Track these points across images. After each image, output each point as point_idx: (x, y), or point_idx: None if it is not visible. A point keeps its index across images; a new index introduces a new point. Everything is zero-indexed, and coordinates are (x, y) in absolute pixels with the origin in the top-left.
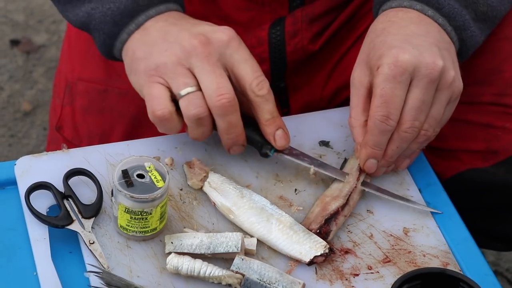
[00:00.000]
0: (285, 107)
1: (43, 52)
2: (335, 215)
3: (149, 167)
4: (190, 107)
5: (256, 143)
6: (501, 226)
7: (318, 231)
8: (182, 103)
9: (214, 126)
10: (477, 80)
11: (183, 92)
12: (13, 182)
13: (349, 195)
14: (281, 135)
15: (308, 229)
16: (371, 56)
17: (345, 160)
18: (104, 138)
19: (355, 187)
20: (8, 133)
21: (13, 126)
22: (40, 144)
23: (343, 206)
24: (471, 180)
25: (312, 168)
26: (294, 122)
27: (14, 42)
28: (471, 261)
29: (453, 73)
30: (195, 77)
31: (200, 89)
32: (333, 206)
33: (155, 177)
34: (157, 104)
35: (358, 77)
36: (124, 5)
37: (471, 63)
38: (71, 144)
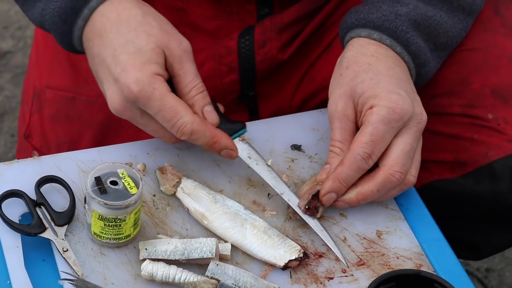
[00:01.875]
0: (254, 115)
1: (9, 59)
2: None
3: (122, 174)
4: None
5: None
6: (470, 236)
7: (307, 207)
8: None
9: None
10: (446, 91)
11: None
12: None
13: None
14: (226, 154)
15: (298, 206)
16: (360, 92)
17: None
18: (73, 146)
19: None
20: None
21: None
22: (8, 151)
23: None
24: (440, 191)
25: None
26: (265, 126)
27: None
28: (444, 262)
29: None
30: None
31: None
32: (319, 186)
33: (128, 184)
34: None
35: (343, 110)
36: (65, 2)
37: (440, 74)
38: (40, 152)
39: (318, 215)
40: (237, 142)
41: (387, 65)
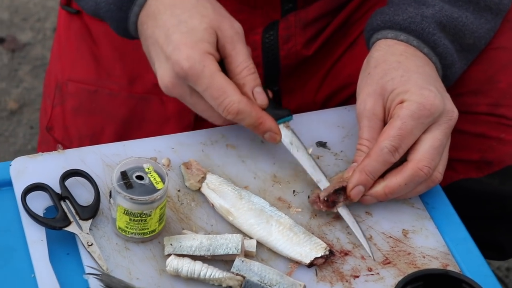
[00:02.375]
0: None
1: (29, 50)
2: (346, 188)
3: (148, 169)
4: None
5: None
6: (495, 236)
7: (325, 198)
8: None
9: None
10: (472, 89)
11: None
12: (8, 183)
13: None
14: (268, 137)
15: (316, 197)
16: (391, 89)
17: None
18: (95, 139)
19: None
20: None
21: None
22: (27, 143)
23: None
24: (465, 190)
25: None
26: (291, 122)
27: None
28: (470, 261)
29: None
30: None
31: None
32: (345, 183)
33: (154, 179)
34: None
35: (372, 109)
36: None
37: (466, 72)
38: (62, 145)
39: (335, 210)
40: (281, 128)
41: (416, 63)
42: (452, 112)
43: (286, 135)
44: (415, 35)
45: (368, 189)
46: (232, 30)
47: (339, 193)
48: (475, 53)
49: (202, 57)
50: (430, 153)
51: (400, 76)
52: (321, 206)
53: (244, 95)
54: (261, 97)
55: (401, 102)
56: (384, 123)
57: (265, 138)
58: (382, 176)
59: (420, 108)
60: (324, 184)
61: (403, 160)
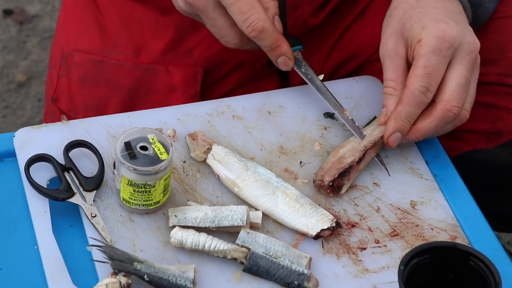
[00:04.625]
0: (284, 81)
1: (37, 22)
2: (349, 169)
3: (152, 139)
4: None
5: None
6: (504, 207)
7: (330, 183)
8: None
9: None
10: (482, 59)
11: None
12: (11, 154)
13: (366, 151)
14: (282, 61)
15: (321, 181)
16: (409, 27)
17: (374, 117)
18: (100, 110)
19: (374, 144)
20: (2, 104)
21: (7, 97)
22: (35, 115)
23: (358, 161)
24: (474, 161)
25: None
26: (298, 93)
27: (7, 12)
28: (479, 234)
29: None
30: None
31: None
32: (349, 160)
33: (158, 149)
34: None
35: (393, 48)
36: None
37: None
38: (68, 116)
39: (342, 192)
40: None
41: (436, 0)
42: (474, 43)
43: (297, 62)
44: None
45: (405, 134)
46: None
47: (344, 175)
48: None
49: None
50: (457, 92)
51: (417, 13)
52: (328, 191)
53: None
54: (279, 25)
55: (420, 40)
56: (407, 61)
57: (278, 64)
58: None
59: (439, 41)
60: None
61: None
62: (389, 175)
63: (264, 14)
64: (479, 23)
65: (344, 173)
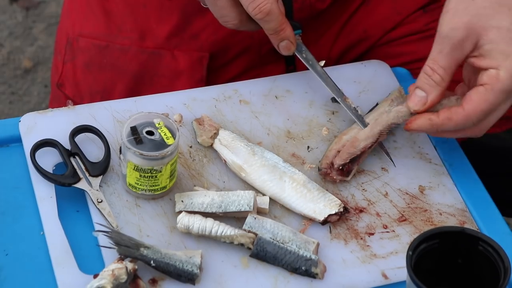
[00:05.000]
0: (291, 65)
1: (43, 8)
2: (360, 154)
3: (159, 124)
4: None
5: None
6: None
7: (340, 167)
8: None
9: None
10: None
11: None
12: (17, 140)
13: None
14: (284, 45)
15: (327, 169)
16: (491, 39)
17: (376, 105)
18: (106, 95)
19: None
20: (8, 90)
21: (13, 83)
22: (42, 101)
23: (370, 146)
24: (483, 146)
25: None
26: (305, 78)
27: None
28: (488, 219)
29: None
30: None
31: None
32: (362, 144)
33: (164, 134)
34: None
35: (462, 41)
36: None
37: None
38: (73, 102)
39: (348, 178)
40: None
41: None
42: None
43: (298, 47)
44: None
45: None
46: None
47: (354, 160)
48: None
49: None
50: (490, 122)
51: (507, 30)
52: (335, 176)
53: None
54: (282, 9)
55: (498, 68)
56: (465, 59)
57: (280, 48)
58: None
59: (502, 91)
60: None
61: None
62: (395, 166)
63: None
64: None
65: (355, 158)
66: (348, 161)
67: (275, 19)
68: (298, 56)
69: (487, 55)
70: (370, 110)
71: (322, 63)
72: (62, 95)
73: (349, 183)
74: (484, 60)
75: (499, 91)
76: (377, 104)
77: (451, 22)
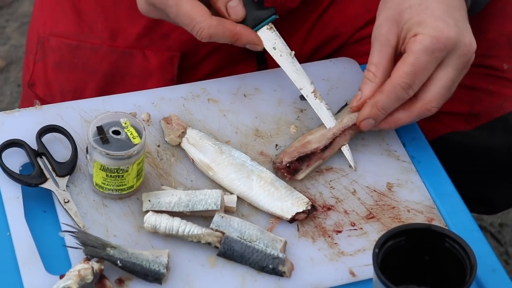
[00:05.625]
0: (262, 64)
1: (16, 7)
2: (311, 155)
3: (125, 123)
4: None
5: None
6: (484, 190)
7: (287, 165)
8: None
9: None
10: None
11: None
12: None
13: (334, 139)
14: (250, 47)
15: (280, 163)
16: (407, 18)
17: (346, 105)
18: (77, 94)
19: (343, 131)
20: None
21: None
22: (15, 101)
23: (324, 148)
24: (453, 143)
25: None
26: (274, 75)
27: None
28: (456, 216)
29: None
30: None
31: None
32: (313, 145)
33: (131, 134)
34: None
35: (386, 34)
36: None
37: None
38: (44, 101)
39: (299, 178)
40: (264, 31)
41: None
42: (470, 45)
43: (268, 39)
44: None
45: (378, 122)
46: None
47: (303, 160)
48: None
49: None
50: (441, 94)
51: (417, 5)
52: (284, 174)
53: (219, 11)
54: (235, 11)
55: (415, 35)
56: (396, 50)
57: (228, 10)
58: None
59: (434, 42)
60: (307, 89)
61: None
62: (355, 170)
63: (206, 19)
64: (477, 9)
65: (304, 158)
66: (295, 159)
67: (222, 37)
68: (267, 49)
69: (407, 33)
70: (339, 111)
71: (292, 53)
72: (33, 95)
73: (317, 181)
74: (407, 40)
75: (419, 51)
76: (346, 104)
77: (376, 22)
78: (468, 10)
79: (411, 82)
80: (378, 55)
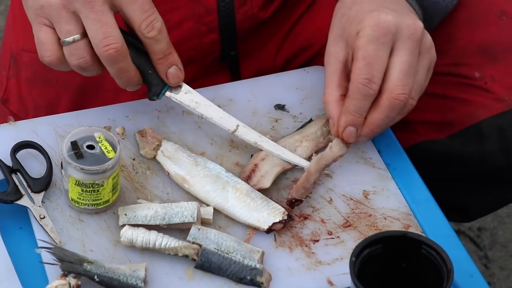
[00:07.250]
0: (235, 75)
1: None
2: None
3: (99, 138)
4: (72, 57)
5: (148, 84)
6: (458, 198)
7: (293, 201)
8: (65, 51)
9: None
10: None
11: (66, 41)
12: None
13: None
14: (174, 72)
15: (246, 178)
16: (347, 27)
17: (310, 120)
18: (51, 109)
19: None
20: None
21: None
22: None
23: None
24: (427, 152)
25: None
26: (248, 86)
27: None
28: (433, 222)
29: (430, 38)
30: (81, 22)
31: (86, 35)
32: (314, 176)
33: (105, 148)
34: (44, 50)
35: (333, 52)
36: None
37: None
38: (18, 117)
39: (266, 186)
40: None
41: None
42: (414, 26)
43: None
44: None
45: (360, 127)
46: None
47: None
48: None
49: None
50: (401, 79)
51: (354, 12)
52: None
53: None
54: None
55: (358, 32)
56: (347, 63)
57: (168, 76)
58: None
59: (375, 29)
60: (242, 130)
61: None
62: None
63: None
64: (434, 16)
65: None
66: (304, 197)
67: (165, 39)
68: (184, 103)
69: (351, 39)
70: (303, 126)
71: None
72: (7, 111)
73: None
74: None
75: (364, 43)
76: (311, 120)
77: (327, 49)
78: (423, 20)
79: (369, 75)
80: (330, 76)
